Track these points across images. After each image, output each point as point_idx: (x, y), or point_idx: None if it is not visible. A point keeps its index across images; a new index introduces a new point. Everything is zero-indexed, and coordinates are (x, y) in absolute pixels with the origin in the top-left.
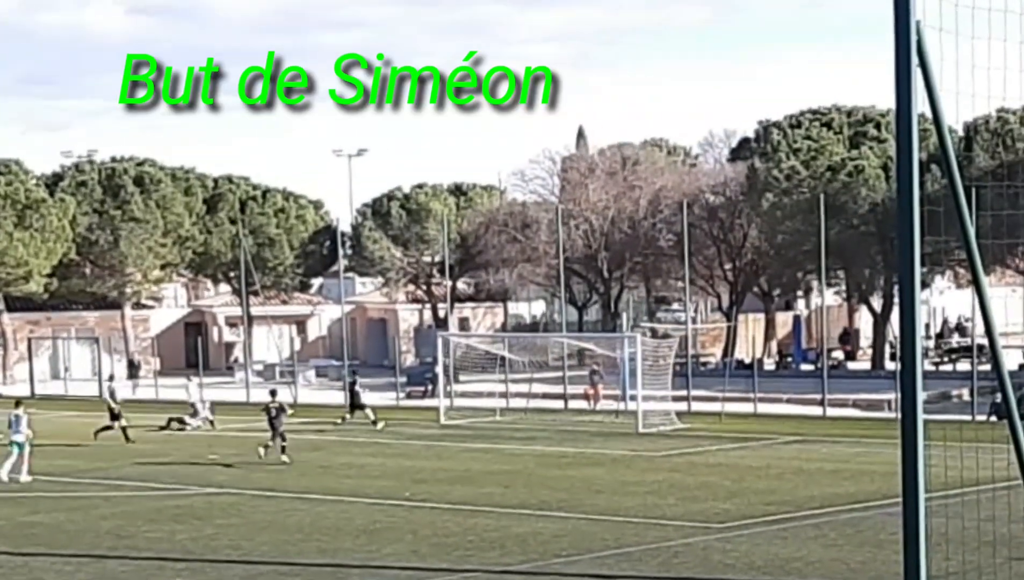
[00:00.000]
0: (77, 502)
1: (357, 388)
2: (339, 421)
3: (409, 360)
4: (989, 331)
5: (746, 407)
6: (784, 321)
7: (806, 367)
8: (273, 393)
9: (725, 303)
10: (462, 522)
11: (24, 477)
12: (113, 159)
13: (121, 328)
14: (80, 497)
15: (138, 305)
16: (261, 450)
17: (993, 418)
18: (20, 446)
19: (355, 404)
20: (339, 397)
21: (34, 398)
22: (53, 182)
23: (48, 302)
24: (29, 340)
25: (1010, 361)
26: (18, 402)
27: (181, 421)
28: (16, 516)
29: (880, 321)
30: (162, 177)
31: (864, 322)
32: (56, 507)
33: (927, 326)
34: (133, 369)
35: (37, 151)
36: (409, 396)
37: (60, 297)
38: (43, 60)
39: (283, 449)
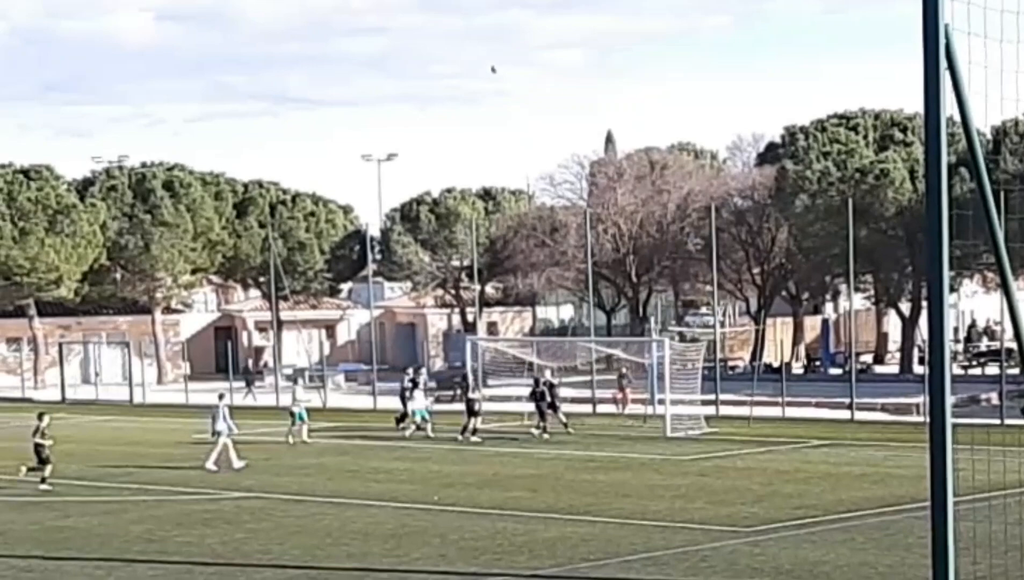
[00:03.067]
0: (107, 506)
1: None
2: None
3: (438, 364)
4: (1018, 335)
5: (774, 411)
6: (812, 325)
7: (834, 371)
8: None
9: (753, 307)
10: (490, 526)
11: (237, 463)
12: (143, 164)
13: (152, 333)
14: (110, 501)
15: (168, 309)
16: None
17: (1022, 421)
18: (219, 434)
19: (549, 407)
20: (367, 402)
21: (64, 403)
22: (83, 187)
23: (79, 307)
24: (60, 345)
25: None
26: (221, 395)
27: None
28: (47, 520)
29: (908, 325)
30: (192, 182)
31: (892, 326)
32: (87, 511)
33: (955, 330)
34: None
35: (67, 157)
36: (438, 400)
37: (91, 302)
38: (71, 66)
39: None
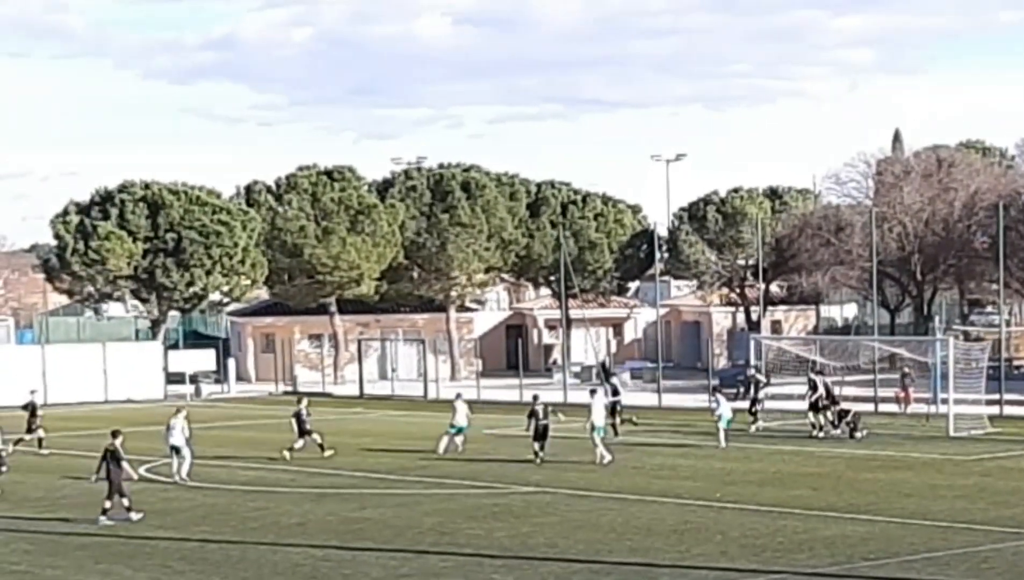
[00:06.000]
0: (402, 499)
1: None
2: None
3: (721, 362)
4: None
5: None
6: None
7: None
8: None
9: None
10: (770, 524)
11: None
12: (441, 165)
13: (446, 330)
14: (405, 494)
15: (462, 308)
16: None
17: None
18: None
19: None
20: (652, 399)
21: (362, 398)
22: (384, 188)
23: (377, 305)
24: (359, 341)
25: None
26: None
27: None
28: (343, 511)
29: None
30: (487, 183)
31: None
32: (382, 503)
33: None
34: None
35: (369, 158)
36: None
37: (389, 300)
38: (374, 71)
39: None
